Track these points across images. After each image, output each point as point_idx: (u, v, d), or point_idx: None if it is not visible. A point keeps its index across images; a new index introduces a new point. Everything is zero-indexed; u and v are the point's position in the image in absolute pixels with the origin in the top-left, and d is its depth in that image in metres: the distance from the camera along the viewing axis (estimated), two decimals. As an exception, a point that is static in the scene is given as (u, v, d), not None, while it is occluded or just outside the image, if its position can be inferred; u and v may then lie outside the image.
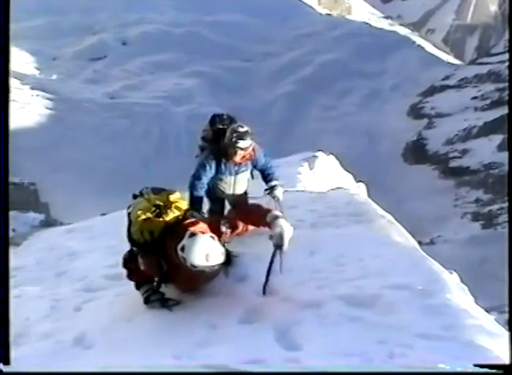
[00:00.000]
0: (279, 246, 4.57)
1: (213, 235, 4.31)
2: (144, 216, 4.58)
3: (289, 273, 4.73)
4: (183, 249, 4.19)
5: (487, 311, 4.55)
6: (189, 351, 3.83)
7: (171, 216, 4.61)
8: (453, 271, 5.35)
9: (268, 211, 4.87)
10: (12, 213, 36.31)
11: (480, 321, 3.94)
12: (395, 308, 4.12)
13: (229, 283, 4.88)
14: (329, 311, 4.17)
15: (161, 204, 4.68)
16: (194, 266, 4.18)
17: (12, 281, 6.13)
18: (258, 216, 4.86)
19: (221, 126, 5.82)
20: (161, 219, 4.57)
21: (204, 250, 4.16)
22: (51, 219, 38.84)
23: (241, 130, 5.57)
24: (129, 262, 4.78)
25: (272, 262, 4.61)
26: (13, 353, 3.97)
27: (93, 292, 5.52)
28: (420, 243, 6.45)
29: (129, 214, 4.82)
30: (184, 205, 4.83)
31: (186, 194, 5.94)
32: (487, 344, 3.58)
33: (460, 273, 5.36)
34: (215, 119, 5.92)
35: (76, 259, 7.01)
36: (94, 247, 7.49)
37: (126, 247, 7.06)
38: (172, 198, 4.75)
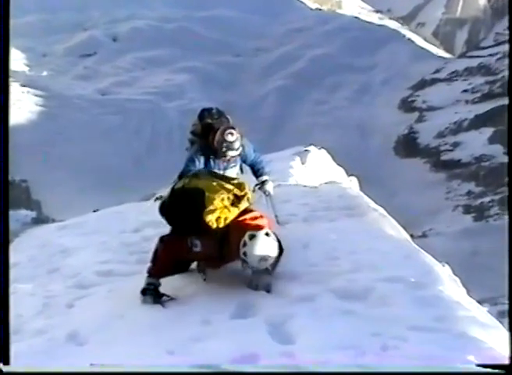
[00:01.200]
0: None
1: (269, 231, 4.56)
2: (222, 205, 4.76)
3: (282, 267, 4.73)
4: (244, 245, 4.47)
5: (479, 303, 4.58)
6: (182, 347, 3.82)
7: (244, 206, 4.88)
8: (446, 263, 5.37)
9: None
10: (3, 211, 36.21)
11: (472, 313, 3.96)
12: (388, 301, 4.13)
13: (222, 278, 4.88)
14: (322, 304, 4.18)
15: (240, 194, 4.92)
16: (245, 255, 4.47)
17: (4, 279, 6.11)
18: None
19: (210, 121, 5.78)
20: (236, 208, 4.82)
21: (260, 253, 4.42)
22: (42, 217, 38.76)
23: (230, 139, 5.50)
24: (159, 247, 4.84)
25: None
26: (6, 350, 3.96)
27: (85, 289, 5.50)
28: (412, 236, 6.49)
29: (184, 190, 4.96)
30: (252, 196, 5.15)
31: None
32: (480, 336, 3.60)
33: (452, 265, 5.39)
34: (204, 113, 5.89)
35: (68, 256, 6.98)
36: (87, 243, 7.46)
37: (117, 244, 7.07)
38: (246, 189, 5.03)
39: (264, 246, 4.43)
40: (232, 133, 5.53)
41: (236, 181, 5.11)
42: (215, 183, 4.92)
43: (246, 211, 4.88)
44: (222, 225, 4.70)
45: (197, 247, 4.65)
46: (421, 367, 3.35)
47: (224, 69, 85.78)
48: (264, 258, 4.42)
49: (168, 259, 4.77)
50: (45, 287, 5.77)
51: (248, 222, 4.73)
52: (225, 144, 5.51)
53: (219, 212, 4.70)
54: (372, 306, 4.12)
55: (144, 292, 4.72)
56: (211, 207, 4.69)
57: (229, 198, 4.83)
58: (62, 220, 11.67)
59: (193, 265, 5.11)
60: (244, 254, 4.45)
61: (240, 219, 4.76)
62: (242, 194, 4.93)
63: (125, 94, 76.13)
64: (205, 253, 4.69)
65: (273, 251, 4.48)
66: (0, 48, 3.74)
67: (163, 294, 4.72)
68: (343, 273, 4.75)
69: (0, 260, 3.68)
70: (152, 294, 4.70)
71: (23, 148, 56.40)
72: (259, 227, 4.60)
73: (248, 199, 4.97)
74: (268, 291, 4.61)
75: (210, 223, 4.65)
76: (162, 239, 4.86)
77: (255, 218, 4.80)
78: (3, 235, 3.69)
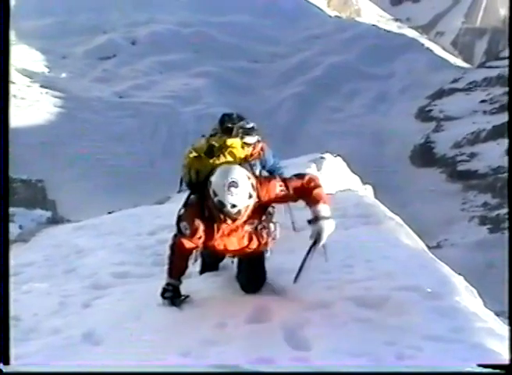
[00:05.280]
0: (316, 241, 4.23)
1: (250, 175, 4.06)
2: (194, 154, 4.51)
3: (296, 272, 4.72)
4: (212, 173, 4.04)
5: (496, 315, 4.54)
6: (197, 349, 3.83)
7: (221, 160, 4.44)
8: (460, 275, 5.33)
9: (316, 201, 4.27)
10: (19, 210, 36.23)
11: (489, 324, 3.93)
12: (403, 310, 4.11)
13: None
14: (338, 311, 4.17)
15: (216, 145, 4.52)
16: (216, 194, 3.95)
17: (21, 277, 6.19)
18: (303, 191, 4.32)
19: (230, 126, 5.78)
20: (211, 160, 4.42)
21: (228, 176, 3.92)
22: (57, 217, 38.98)
23: (247, 126, 5.47)
24: (170, 249, 4.59)
25: (307, 255, 4.32)
26: (24, 348, 4.01)
27: (101, 289, 5.53)
28: (427, 246, 6.44)
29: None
30: (240, 152, 4.56)
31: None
32: (496, 348, 3.57)
33: (467, 277, 5.34)
34: (224, 118, 5.88)
35: (84, 257, 7.04)
36: (102, 244, 7.51)
37: (133, 246, 7.12)
38: (229, 142, 4.56)
39: (234, 170, 3.97)
40: (248, 123, 5.45)
41: (226, 136, 4.79)
42: (202, 138, 4.76)
43: None
44: (194, 177, 4.44)
45: (187, 229, 4.31)
46: (422, 367, 3.35)
47: (241, 74, 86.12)
48: (233, 183, 3.87)
49: (179, 258, 4.59)
50: (61, 287, 5.82)
51: None
52: (241, 130, 5.38)
53: (189, 163, 4.51)
54: (388, 315, 4.10)
55: (163, 293, 4.63)
56: (184, 157, 4.59)
57: (202, 149, 4.52)
58: (77, 221, 11.75)
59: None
60: (210, 184, 3.97)
61: None
62: (221, 146, 4.50)
63: (142, 97, 76.71)
64: (194, 235, 4.32)
65: (244, 180, 3.94)
66: (0, 48, 3.77)
67: (180, 296, 4.63)
68: (358, 280, 4.73)
69: (0, 260, 3.70)
70: (170, 295, 4.59)
71: (40, 148, 57.04)
72: None
73: (232, 154, 4.46)
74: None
75: (182, 176, 4.59)
76: (173, 240, 4.61)
77: None
78: (3, 236, 3.70)
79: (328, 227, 4.15)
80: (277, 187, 4.22)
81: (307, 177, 4.33)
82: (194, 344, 3.89)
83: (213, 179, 3.98)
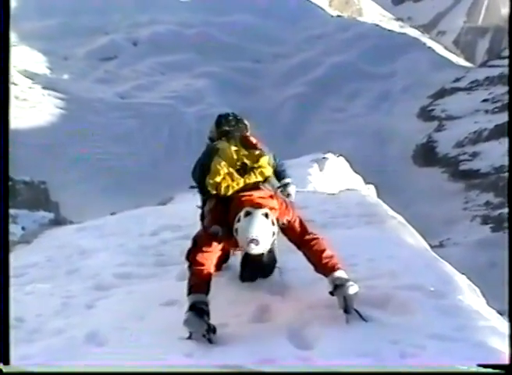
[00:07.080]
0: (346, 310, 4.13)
1: (268, 212, 4.07)
2: (226, 170, 4.41)
3: (300, 272, 4.73)
4: (238, 221, 4.05)
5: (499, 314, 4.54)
6: (201, 350, 3.83)
7: (253, 179, 4.45)
8: (463, 274, 5.33)
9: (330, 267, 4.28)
10: (21, 212, 36.23)
11: (492, 323, 3.93)
12: (407, 309, 4.11)
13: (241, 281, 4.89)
14: (341, 311, 4.17)
15: (249, 164, 4.50)
16: (237, 233, 4.04)
17: (24, 278, 6.19)
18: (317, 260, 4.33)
19: (227, 128, 5.68)
20: (242, 179, 4.40)
21: (251, 234, 3.94)
22: (60, 218, 39.01)
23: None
24: (195, 248, 4.27)
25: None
26: (27, 349, 4.01)
27: (104, 290, 5.53)
28: (429, 245, 6.43)
29: (209, 155, 4.64)
30: (269, 172, 4.59)
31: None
32: (499, 346, 3.57)
33: (469, 276, 5.34)
34: (220, 120, 5.76)
35: (86, 258, 7.02)
36: (105, 245, 7.49)
37: (136, 246, 7.11)
38: (261, 161, 4.54)
39: (257, 227, 3.95)
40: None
41: (256, 152, 4.61)
42: (228, 146, 4.64)
43: (257, 187, 4.38)
44: (223, 192, 4.32)
45: (219, 232, 4.19)
46: (421, 367, 3.35)
47: (243, 74, 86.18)
48: (254, 241, 3.92)
49: (204, 274, 4.20)
50: (64, 288, 5.81)
51: (251, 198, 4.17)
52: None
53: (222, 179, 4.34)
54: (391, 314, 4.10)
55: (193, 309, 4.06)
56: (214, 171, 4.39)
57: (234, 165, 4.44)
58: (79, 222, 11.75)
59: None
60: (236, 231, 4.03)
61: (246, 193, 4.24)
62: (253, 165, 4.47)
63: (144, 98, 76.82)
64: (213, 220, 4.25)
65: (266, 236, 3.99)
66: (0, 48, 3.76)
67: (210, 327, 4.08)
68: (361, 279, 4.71)
69: (0, 260, 3.69)
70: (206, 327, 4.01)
71: (42, 149, 57.09)
72: (260, 206, 4.08)
73: (262, 174, 4.48)
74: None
75: (209, 188, 4.38)
76: (189, 256, 4.27)
77: (262, 197, 4.21)
78: (3, 236, 3.70)
79: (353, 293, 4.12)
80: (284, 217, 4.31)
81: (313, 235, 4.42)
82: (198, 345, 3.90)
83: (240, 223, 4.02)
